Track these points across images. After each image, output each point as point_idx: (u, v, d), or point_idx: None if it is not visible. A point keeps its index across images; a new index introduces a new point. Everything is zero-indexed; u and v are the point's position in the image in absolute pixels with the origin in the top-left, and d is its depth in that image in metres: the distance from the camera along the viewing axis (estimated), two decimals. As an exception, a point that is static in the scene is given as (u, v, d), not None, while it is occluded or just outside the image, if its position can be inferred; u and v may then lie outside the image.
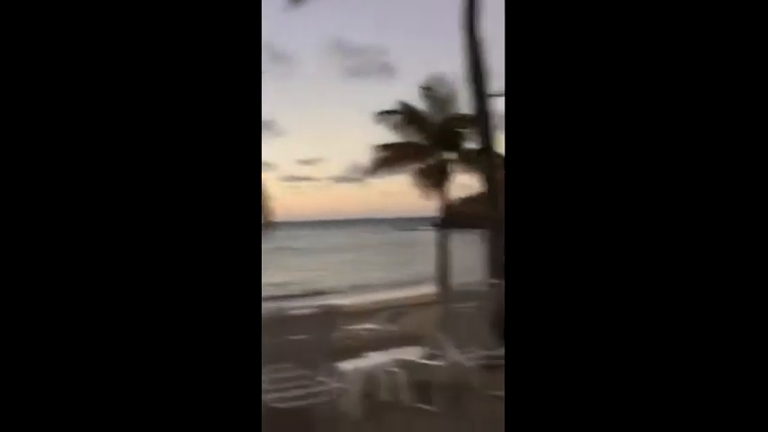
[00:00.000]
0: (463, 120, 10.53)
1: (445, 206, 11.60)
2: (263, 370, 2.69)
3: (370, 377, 3.95)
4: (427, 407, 3.58)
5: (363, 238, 53.20)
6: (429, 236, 15.89)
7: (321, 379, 3.28)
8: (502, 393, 4.03)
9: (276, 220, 6.57)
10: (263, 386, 2.89)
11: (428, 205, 12.06)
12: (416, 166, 11.73)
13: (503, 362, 4.05)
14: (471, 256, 10.88)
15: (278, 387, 3.09)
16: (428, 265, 12.83)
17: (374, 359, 4.01)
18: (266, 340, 1.84)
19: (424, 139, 11.53)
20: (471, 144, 10.56)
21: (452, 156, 11.48)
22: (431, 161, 11.61)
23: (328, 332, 3.42)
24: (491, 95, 5.75)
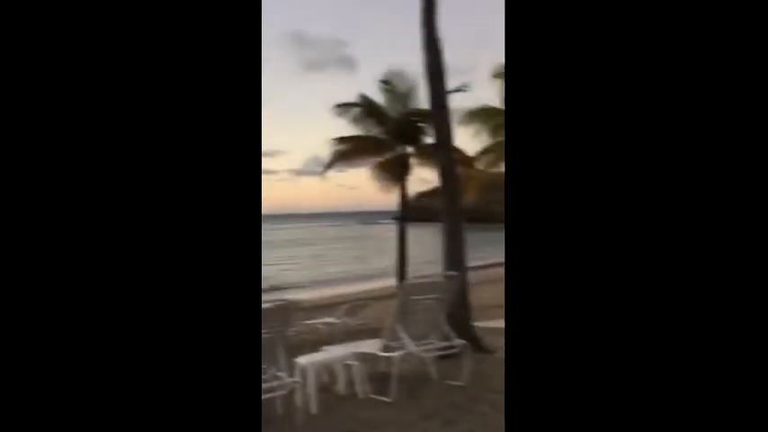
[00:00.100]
0: (421, 114, 10.61)
1: (405, 200, 11.68)
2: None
3: (326, 371, 3.96)
4: (384, 398, 3.63)
5: (324, 232, 52.85)
6: (390, 229, 15.97)
7: (278, 374, 3.27)
8: (457, 383, 4.14)
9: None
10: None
11: (389, 199, 12.12)
12: (376, 159, 11.75)
13: (458, 351, 4.16)
14: (431, 250, 11.03)
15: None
16: (389, 258, 12.92)
17: (331, 353, 4.02)
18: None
19: (383, 133, 11.55)
20: (429, 139, 10.67)
21: (411, 150, 11.57)
22: (390, 155, 11.65)
23: (286, 327, 3.40)
24: (449, 92, 5.83)
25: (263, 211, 1.52)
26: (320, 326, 6.55)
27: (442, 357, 4.21)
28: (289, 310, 3.43)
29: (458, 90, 9.40)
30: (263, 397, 2.96)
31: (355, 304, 7.36)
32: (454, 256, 5.46)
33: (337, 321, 6.53)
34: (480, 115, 12.24)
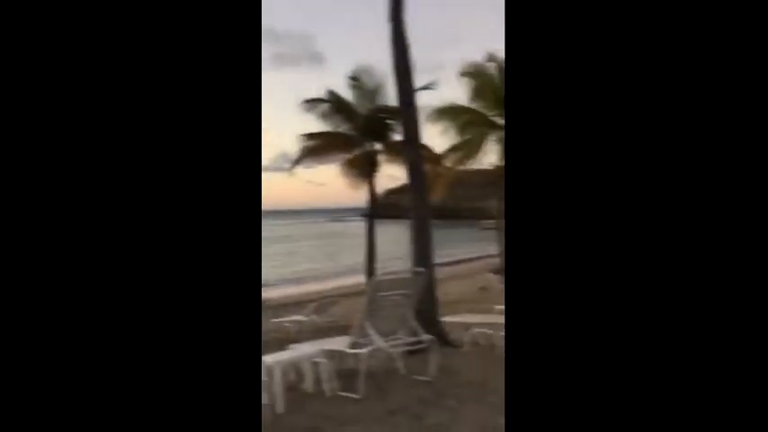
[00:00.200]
0: (390, 111, 10.63)
1: (373, 197, 11.69)
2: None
3: (294, 369, 3.93)
4: (351, 395, 3.63)
5: (293, 230, 52.30)
6: (359, 226, 15.93)
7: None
8: (424, 377, 4.18)
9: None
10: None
11: (358, 196, 12.10)
12: (344, 156, 11.71)
13: (425, 346, 4.20)
14: (399, 246, 11.09)
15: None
16: (358, 255, 12.91)
17: (298, 351, 3.99)
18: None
19: (351, 130, 11.52)
20: (397, 136, 10.70)
21: (379, 147, 11.58)
22: (358, 151, 11.63)
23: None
24: (417, 89, 5.86)
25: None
26: (288, 324, 6.49)
27: (410, 353, 4.25)
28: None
29: (425, 88, 9.48)
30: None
31: (323, 302, 7.33)
32: (422, 252, 5.51)
33: (305, 319, 6.49)
34: (448, 113, 12.37)
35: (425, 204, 5.84)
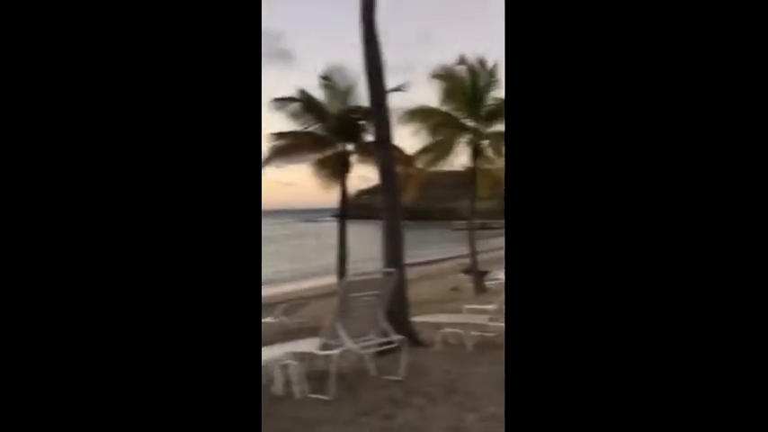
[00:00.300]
0: (361, 111, 10.61)
1: (345, 197, 11.64)
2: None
3: (262, 372, 3.87)
4: (322, 396, 3.60)
5: (265, 230, 51.55)
6: (331, 227, 15.84)
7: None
8: (395, 377, 4.18)
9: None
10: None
11: (330, 196, 12.03)
12: (315, 156, 11.62)
13: (396, 346, 4.20)
14: (371, 247, 11.09)
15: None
16: (329, 256, 12.84)
17: (268, 353, 3.93)
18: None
19: (322, 129, 11.44)
20: (369, 136, 10.70)
21: (351, 147, 11.54)
22: (330, 152, 11.56)
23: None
24: (389, 90, 5.87)
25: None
26: (257, 326, 6.39)
27: (381, 353, 4.25)
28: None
29: (397, 89, 9.52)
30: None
31: (293, 303, 7.25)
32: (394, 253, 5.52)
33: (274, 321, 6.41)
34: (419, 115, 12.45)
35: (397, 205, 5.86)
